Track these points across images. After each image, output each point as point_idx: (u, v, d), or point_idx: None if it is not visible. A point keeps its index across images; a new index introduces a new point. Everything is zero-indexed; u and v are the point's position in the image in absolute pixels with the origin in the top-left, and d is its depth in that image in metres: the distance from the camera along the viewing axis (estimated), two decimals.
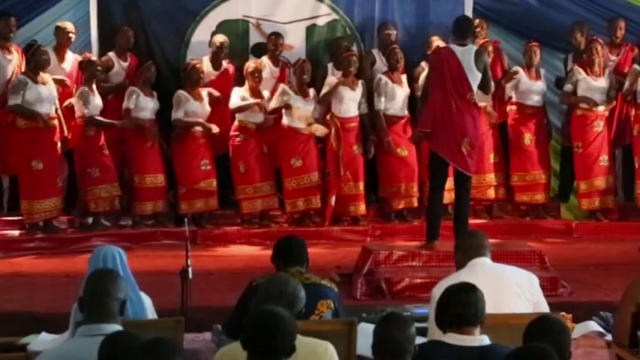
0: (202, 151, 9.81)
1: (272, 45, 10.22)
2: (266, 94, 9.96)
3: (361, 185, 9.98)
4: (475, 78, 7.71)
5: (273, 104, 9.86)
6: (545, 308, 5.12)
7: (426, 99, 7.99)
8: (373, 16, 10.75)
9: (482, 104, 9.14)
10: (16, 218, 9.72)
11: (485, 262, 5.13)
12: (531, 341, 3.86)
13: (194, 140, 9.77)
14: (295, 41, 10.55)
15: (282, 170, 9.95)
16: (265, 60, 10.22)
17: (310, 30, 10.64)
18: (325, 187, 9.99)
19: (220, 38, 10.14)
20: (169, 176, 9.91)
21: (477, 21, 10.21)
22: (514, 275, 5.14)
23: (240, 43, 10.49)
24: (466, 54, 7.71)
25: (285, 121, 9.89)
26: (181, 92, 9.78)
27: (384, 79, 10.01)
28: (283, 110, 9.86)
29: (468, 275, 4.91)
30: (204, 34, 10.41)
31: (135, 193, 9.80)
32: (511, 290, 5.01)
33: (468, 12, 10.69)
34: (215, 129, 9.75)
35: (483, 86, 7.95)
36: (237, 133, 9.91)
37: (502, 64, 10.45)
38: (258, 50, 10.47)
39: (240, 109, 9.86)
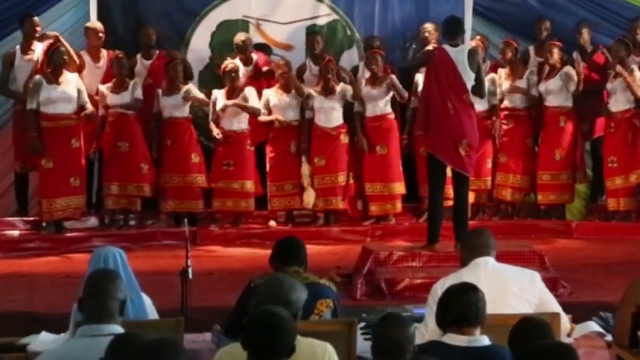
0: (223, 151, 9.81)
1: (310, 44, 10.24)
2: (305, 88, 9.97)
3: (394, 186, 9.97)
4: (469, 78, 7.68)
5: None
6: (550, 302, 5.11)
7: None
8: (373, 17, 10.76)
9: None
10: (15, 218, 9.74)
11: (488, 261, 5.11)
12: (517, 343, 3.87)
13: (217, 140, 9.80)
14: (295, 41, 10.56)
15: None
16: (307, 61, 10.25)
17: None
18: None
19: (242, 36, 10.15)
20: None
21: (539, 20, 10.35)
22: (516, 276, 5.11)
23: None
24: (459, 54, 7.69)
25: (318, 122, 9.90)
26: (216, 93, 9.81)
27: (418, 77, 10.04)
28: (315, 110, 9.88)
29: (469, 274, 4.92)
30: (204, 34, 10.43)
31: (160, 192, 9.82)
32: (511, 292, 5.00)
33: (468, 12, 10.73)
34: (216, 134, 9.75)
35: (476, 90, 7.92)
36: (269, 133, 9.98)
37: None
38: (259, 50, 10.46)
39: (262, 123, 9.92)
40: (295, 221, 10.12)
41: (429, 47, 9.44)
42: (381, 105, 9.95)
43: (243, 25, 10.53)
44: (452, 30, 7.87)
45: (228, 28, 10.44)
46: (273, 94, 9.93)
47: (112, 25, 10.31)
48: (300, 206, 10.02)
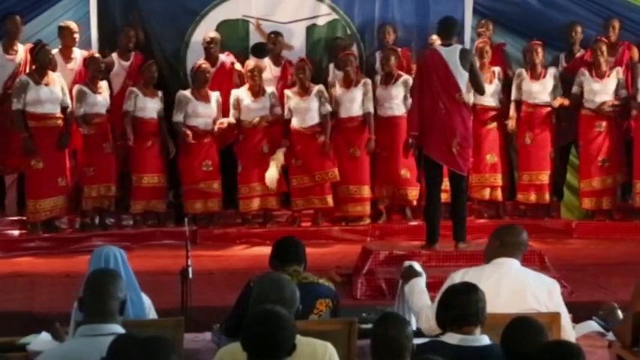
0: (205, 152, 9.83)
1: (272, 44, 10.22)
2: (268, 90, 9.95)
3: (365, 188, 9.97)
4: (462, 77, 7.70)
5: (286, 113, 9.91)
6: (562, 315, 5.06)
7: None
8: (373, 16, 10.76)
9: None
10: (16, 218, 9.74)
11: (512, 265, 5.01)
12: (510, 342, 3.87)
13: (197, 140, 9.78)
14: (295, 41, 10.56)
15: (288, 169, 9.96)
16: (267, 60, 10.22)
17: (310, 30, 10.65)
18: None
19: (210, 34, 10.16)
20: (172, 176, 9.95)
21: (482, 21, 10.30)
22: (535, 286, 5.03)
23: (240, 43, 10.50)
24: (451, 53, 7.71)
25: (293, 122, 9.90)
26: (182, 93, 9.81)
27: (376, 79, 10.06)
28: (292, 111, 9.88)
29: (491, 273, 4.89)
30: (204, 34, 10.40)
31: (132, 192, 9.81)
32: (528, 301, 4.93)
33: (468, 12, 10.73)
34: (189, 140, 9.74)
35: (475, 87, 7.99)
36: (236, 132, 9.93)
37: (505, 67, 10.43)
38: (258, 50, 10.47)
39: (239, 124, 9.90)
40: (273, 222, 10.11)
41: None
42: (355, 107, 9.94)
43: (243, 24, 10.53)
44: (446, 30, 7.92)
45: (228, 27, 10.43)
46: (245, 96, 9.91)
47: (112, 25, 10.30)
48: (274, 207, 10.03)
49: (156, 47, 10.38)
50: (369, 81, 10.01)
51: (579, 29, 10.43)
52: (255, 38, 10.53)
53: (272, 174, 9.79)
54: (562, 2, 10.81)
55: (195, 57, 10.35)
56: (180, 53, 10.44)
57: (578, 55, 10.47)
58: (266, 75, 10.10)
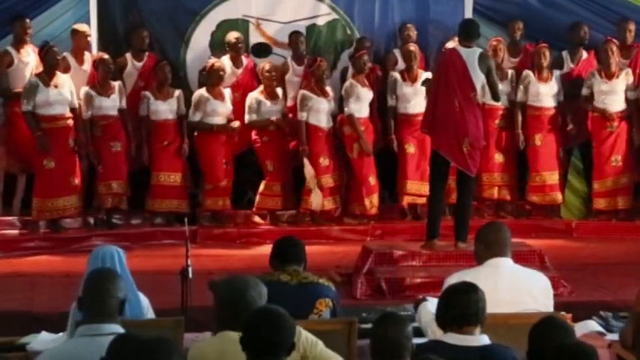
0: (224, 150, 9.86)
1: (294, 44, 10.23)
2: (279, 91, 9.99)
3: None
4: (478, 78, 7.76)
5: (299, 114, 9.86)
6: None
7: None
8: (373, 16, 10.75)
9: None
10: (17, 217, 9.72)
11: (506, 264, 5.02)
12: (539, 342, 3.87)
13: (216, 138, 9.81)
14: None
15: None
16: (289, 61, 10.24)
17: (310, 30, 10.63)
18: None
19: (235, 34, 10.15)
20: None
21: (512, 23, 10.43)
22: (533, 285, 5.05)
23: None
24: (470, 55, 7.78)
25: (310, 120, 9.90)
26: (201, 93, 9.80)
27: (395, 76, 10.05)
28: (314, 111, 9.88)
29: (487, 276, 4.86)
30: (204, 34, 10.42)
31: (150, 190, 9.83)
32: (526, 301, 4.94)
33: (468, 12, 10.71)
34: (234, 125, 9.81)
35: (491, 93, 8.04)
36: (257, 136, 9.96)
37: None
38: (259, 50, 10.48)
39: (254, 126, 9.90)
40: (281, 220, 10.13)
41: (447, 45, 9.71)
42: (368, 107, 10.03)
43: (243, 24, 10.52)
44: (467, 32, 8.00)
45: (228, 27, 10.40)
46: (262, 98, 9.90)
47: (112, 25, 10.30)
48: (279, 207, 10.04)
49: (156, 47, 10.37)
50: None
51: (586, 29, 10.42)
52: (255, 38, 10.53)
53: (318, 197, 9.83)
54: (562, 2, 10.80)
55: (195, 57, 10.37)
56: (180, 53, 10.44)
57: (585, 56, 10.46)
58: (289, 76, 10.13)
